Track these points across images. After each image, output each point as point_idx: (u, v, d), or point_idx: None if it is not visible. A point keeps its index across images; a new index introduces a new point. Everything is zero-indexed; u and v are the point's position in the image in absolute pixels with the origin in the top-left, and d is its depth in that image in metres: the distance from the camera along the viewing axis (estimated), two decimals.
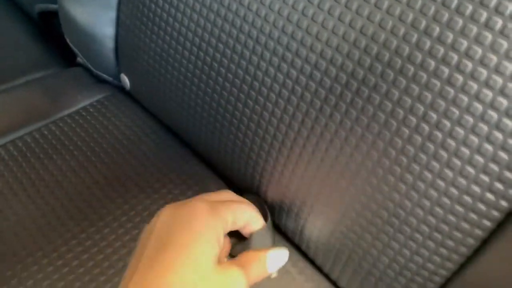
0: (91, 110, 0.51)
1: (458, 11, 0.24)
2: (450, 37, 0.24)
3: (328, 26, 0.29)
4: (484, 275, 0.29)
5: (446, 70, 0.25)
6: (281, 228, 0.40)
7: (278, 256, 0.31)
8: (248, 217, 0.32)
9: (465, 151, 0.25)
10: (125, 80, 0.50)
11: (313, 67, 0.30)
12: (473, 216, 0.27)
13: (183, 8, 0.37)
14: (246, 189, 0.42)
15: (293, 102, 0.32)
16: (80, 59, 0.55)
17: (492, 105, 0.24)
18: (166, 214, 0.29)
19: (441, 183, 0.27)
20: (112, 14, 0.46)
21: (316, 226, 0.36)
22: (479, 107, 0.24)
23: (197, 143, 0.46)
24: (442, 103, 0.25)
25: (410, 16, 0.25)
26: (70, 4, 0.49)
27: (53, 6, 0.55)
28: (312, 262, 0.40)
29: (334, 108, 0.30)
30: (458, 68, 0.24)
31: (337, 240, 0.34)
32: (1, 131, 0.48)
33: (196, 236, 0.26)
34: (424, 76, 0.25)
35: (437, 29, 0.25)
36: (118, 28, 0.46)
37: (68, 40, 0.54)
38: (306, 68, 0.31)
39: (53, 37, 0.64)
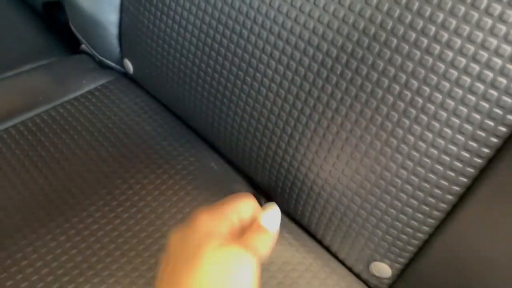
0: (96, 93, 0.53)
1: None
2: (427, 10, 0.27)
3: (329, 10, 0.32)
4: (462, 233, 0.32)
5: (425, 41, 0.28)
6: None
7: (271, 215, 0.32)
8: (251, 209, 0.31)
9: (441, 113, 0.28)
10: (128, 64, 0.52)
11: (315, 48, 0.33)
12: (450, 173, 0.30)
13: None
14: (248, 167, 0.44)
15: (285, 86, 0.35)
16: (84, 46, 0.58)
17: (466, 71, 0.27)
18: (175, 243, 0.29)
19: (422, 145, 0.30)
20: (116, 1, 0.48)
21: (312, 197, 0.39)
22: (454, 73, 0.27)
23: (198, 123, 0.49)
24: (421, 71, 0.28)
25: None
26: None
27: None
28: (306, 231, 0.43)
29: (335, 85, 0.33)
30: (436, 39, 0.27)
31: (330, 206, 0.37)
32: (9, 114, 0.50)
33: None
34: (405, 47, 0.28)
35: (417, 4, 0.27)
36: (121, 15, 0.49)
37: (72, 28, 0.57)
38: (308, 50, 0.33)
39: (56, 26, 0.66)
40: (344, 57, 0.31)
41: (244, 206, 0.31)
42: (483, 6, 0.25)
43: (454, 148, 0.29)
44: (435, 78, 0.28)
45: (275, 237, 0.32)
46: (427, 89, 0.28)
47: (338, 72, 0.32)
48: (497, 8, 0.25)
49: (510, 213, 0.29)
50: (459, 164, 0.29)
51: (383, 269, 0.37)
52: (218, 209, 0.30)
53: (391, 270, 0.37)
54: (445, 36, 0.27)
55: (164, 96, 0.51)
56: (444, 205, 0.31)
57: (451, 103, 0.28)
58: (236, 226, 0.30)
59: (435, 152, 0.29)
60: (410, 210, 0.32)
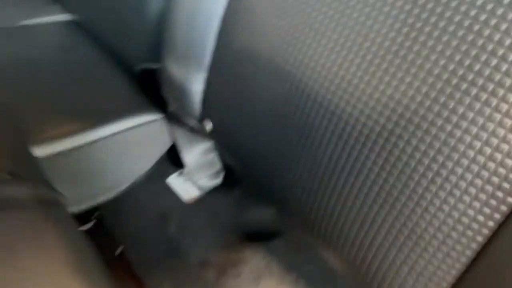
0: None
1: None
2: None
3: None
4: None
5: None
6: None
7: None
8: None
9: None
10: (209, 123, 0.64)
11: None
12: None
13: (262, 77, 0.51)
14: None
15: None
16: (171, 107, 0.70)
17: None
18: None
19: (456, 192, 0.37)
20: (203, 75, 0.60)
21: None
22: None
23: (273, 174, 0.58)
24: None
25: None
26: (170, 65, 0.64)
27: (155, 65, 0.71)
28: None
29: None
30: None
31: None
32: None
33: None
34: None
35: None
36: (207, 86, 0.61)
37: (164, 92, 0.70)
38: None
39: (148, 90, 0.80)
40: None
41: None
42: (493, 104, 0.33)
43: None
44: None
45: None
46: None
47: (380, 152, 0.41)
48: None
49: None
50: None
51: None
52: None
53: None
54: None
55: (240, 151, 0.61)
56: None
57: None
58: None
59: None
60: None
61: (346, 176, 0.44)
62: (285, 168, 0.51)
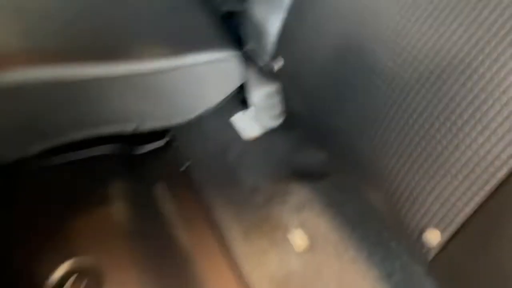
0: None
1: None
2: None
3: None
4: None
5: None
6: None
7: None
8: None
9: None
10: (280, 62, 0.71)
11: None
12: None
13: (337, 21, 0.58)
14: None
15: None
16: (247, 46, 0.79)
17: None
18: None
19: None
20: (282, 16, 0.68)
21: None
22: None
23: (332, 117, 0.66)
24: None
25: None
26: (252, 6, 0.72)
27: (238, 7, 0.80)
28: None
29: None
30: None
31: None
32: None
33: None
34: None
35: None
36: (284, 26, 0.68)
37: (243, 32, 0.78)
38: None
39: (228, 29, 0.88)
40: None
41: None
42: None
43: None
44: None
45: None
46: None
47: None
48: None
49: None
50: None
51: (433, 237, 0.50)
52: None
53: (440, 238, 0.50)
54: None
55: (306, 92, 0.69)
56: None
57: None
58: None
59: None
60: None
61: (399, 116, 0.51)
62: (343, 111, 0.59)
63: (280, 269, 0.73)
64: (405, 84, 0.49)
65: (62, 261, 0.68)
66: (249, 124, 0.97)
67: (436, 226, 0.49)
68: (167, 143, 0.92)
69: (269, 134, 0.95)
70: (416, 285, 0.70)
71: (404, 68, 0.49)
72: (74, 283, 0.67)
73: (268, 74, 0.88)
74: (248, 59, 0.83)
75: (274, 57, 0.72)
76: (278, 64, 0.72)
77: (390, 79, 0.51)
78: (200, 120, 0.95)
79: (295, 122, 0.93)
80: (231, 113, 1.00)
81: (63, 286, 0.67)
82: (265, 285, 0.71)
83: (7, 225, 0.71)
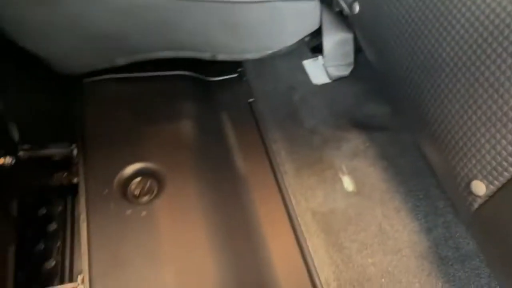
0: None
1: None
2: None
3: None
4: None
5: None
6: None
7: None
8: None
9: None
10: (357, 7, 0.73)
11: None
12: None
13: None
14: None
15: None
16: None
17: None
18: None
19: None
20: None
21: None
22: None
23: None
24: None
25: None
26: None
27: None
28: None
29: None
30: None
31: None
32: None
33: None
34: None
35: None
36: None
37: None
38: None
39: None
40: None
41: None
42: None
43: None
44: None
45: None
46: None
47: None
48: None
49: None
50: None
51: (480, 188, 0.52)
52: None
53: (487, 190, 0.51)
54: None
55: (380, 41, 0.70)
56: None
57: None
58: None
59: None
60: None
61: (467, 67, 0.52)
62: (413, 63, 0.60)
63: (325, 205, 0.77)
64: (479, 35, 0.50)
65: (129, 162, 0.76)
66: (319, 70, 1.00)
67: (485, 177, 0.51)
68: (239, 76, 0.97)
69: (336, 83, 0.97)
70: (455, 243, 0.72)
71: (473, 35, 0.50)
72: (139, 182, 0.75)
73: (343, 22, 0.89)
74: (325, 3, 0.85)
75: (351, 2, 0.74)
76: (356, 9, 0.73)
77: (463, 32, 0.52)
78: (272, 59, 0.99)
79: (363, 74, 0.94)
80: (302, 58, 1.02)
81: (128, 185, 0.75)
82: (308, 216, 0.76)
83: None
